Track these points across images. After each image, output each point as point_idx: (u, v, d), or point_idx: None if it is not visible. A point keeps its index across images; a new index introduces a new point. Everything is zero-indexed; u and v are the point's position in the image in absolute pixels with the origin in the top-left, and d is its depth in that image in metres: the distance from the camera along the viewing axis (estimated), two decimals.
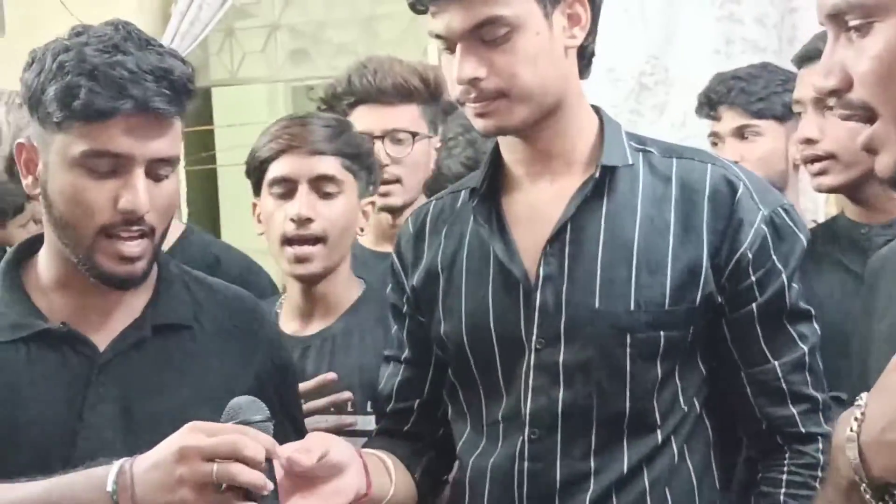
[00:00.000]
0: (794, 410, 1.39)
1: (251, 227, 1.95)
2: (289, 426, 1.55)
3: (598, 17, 1.44)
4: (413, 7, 1.42)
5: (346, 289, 1.94)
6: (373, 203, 1.98)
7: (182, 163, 4.08)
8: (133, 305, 1.50)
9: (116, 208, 1.39)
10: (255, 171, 1.91)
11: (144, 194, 1.39)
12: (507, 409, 1.44)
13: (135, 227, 1.41)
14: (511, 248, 1.43)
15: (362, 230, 1.98)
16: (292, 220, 1.81)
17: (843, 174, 1.84)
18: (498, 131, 1.42)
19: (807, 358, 1.39)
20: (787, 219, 1.39)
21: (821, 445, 1.36)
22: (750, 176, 1.43)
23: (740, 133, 2.33)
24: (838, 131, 1.78)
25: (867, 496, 0.95)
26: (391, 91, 2.21)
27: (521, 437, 1.42)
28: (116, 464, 1.30)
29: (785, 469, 1.39)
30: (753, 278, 1.37)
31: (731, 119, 2.35)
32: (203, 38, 3.85)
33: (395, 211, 2.23)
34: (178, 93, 1.41)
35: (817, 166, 1.86)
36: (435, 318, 1.52)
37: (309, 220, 1.81)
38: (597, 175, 1.39)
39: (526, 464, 1.41)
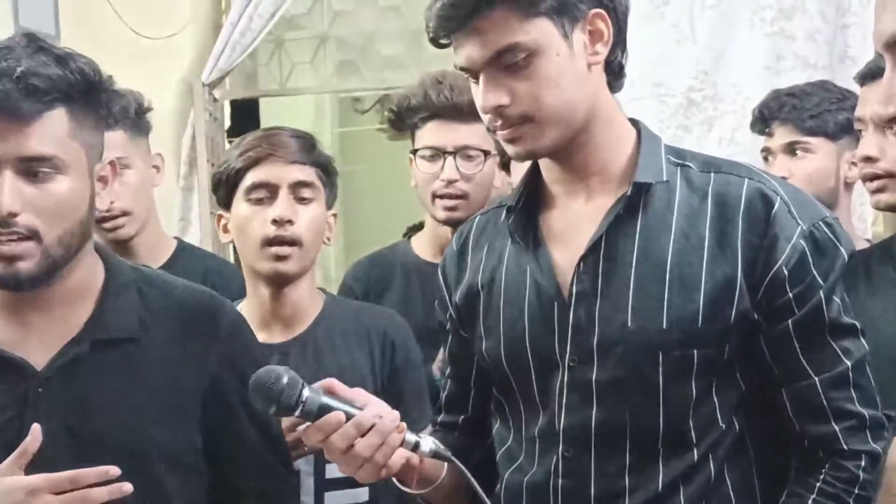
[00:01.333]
0: (836, 427, 1.35)
1: None
2: (251, 427, 1.54)
3: (623, 30, 1.43)
4: (434, 43, 1.42)
5: (313, 297, 1.99)
6: (335, 216, 2.02)
7: None
8: (72, 322, 1.49)
9: None
10: (228, 181, 1.93)
11: (9, 194, 1.38)
12: (542, 426, 1.44)
13: (9, 230, 1.39)
14: (545, 265, 1.43)
15: (329, 239, 2.01)
16: (275, 221, 1.84)
17: None
18: (529, 156, 1.43)
19: (850, 373, 1.36)
20: (828, 233, 1.37)
21: (863, 462, 1.33)
22: (789, 190, 1.40)
23: (791, 149, 2.29)
24: None
25: None
26: (466, 108, 2.15)
27: (556, 455, 1.41)
28: None
29: (820, 477, 1.36)
30: (790, 294, 1.34)
31: (782, 135, 2.31)
32: (253, 49, 3.85)
33: (458, 225, 2.20)
34: (38, 91, 1.38)
35: (876, 184, 1.84)
36: (477, 335, 1.51)
37: (290, 222, 1.85)
38: (629, 192, 1.38)
39: (560, 481, 1.41)
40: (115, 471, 1.36)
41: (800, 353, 1.36)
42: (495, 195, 2.29)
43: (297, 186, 1.89)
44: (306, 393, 1.31)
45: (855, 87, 2.26)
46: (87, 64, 1.45)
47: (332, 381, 1.37)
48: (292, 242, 1.88)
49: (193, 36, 3.90)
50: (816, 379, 1.35)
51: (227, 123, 4.09)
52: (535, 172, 1.49)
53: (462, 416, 1.62)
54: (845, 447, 1.34)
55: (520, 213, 1.47)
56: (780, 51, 3.28)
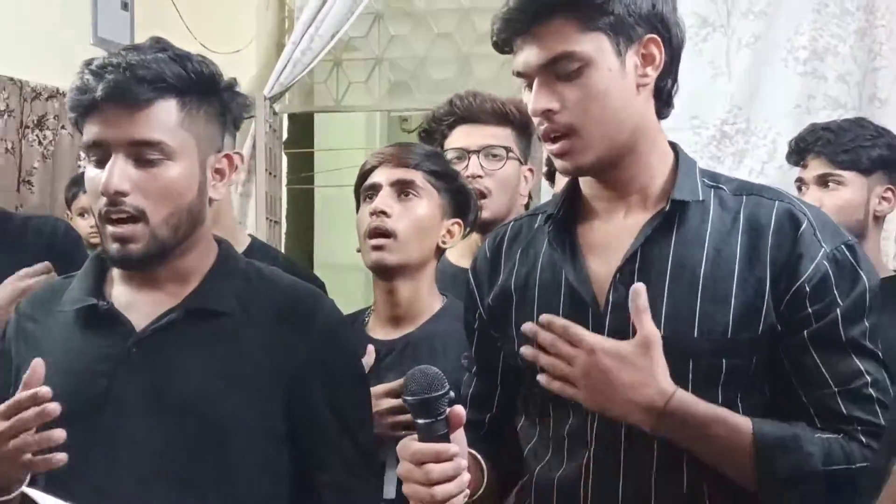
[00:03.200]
0: (857, 430, 1.33)
1: (342, 243, 2.00)
2: (334, 423, 1.53)
3: (677, 59, 1.43)
4: (497, 47, 1.43)
5: (429, 300, 1.96)
6: (459, 224, 1.97)
7: (283, 181, 4.22)
8: (178, 296, 1.51)
9: (100, 192, 1.42)
10: (357, 185, 1.98)
11: (118, 175, 1.41)
12: (573, 427, 1.42)
13: (117, 209, 1.43)
14: (582, 273, 1.42)
15: (444, 243, 1.97)
16: (373, 213, 1.87)
17: None
18: (576, 171, 1.42)
19: (871, 390, 1.34)
20: (848, 256, 1.36)
21: (865, 463, 1.30)
22: (817, 213, 1.40)
23: (823, 181, 2.28)
24: None
25: None
26: (489, 111, 2.25)
27: (587, 454, 1.40)
28: None
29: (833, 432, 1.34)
30: (810, 310, 1.33)
31: (816, 167, 2.30)
32: (312, 67, 3.88)
33: (483, 229, 2.19)
34: (148, 81, 1.41)
35: None
36: (508, 336, 1.49)
37: (384, 213, 1.86)
38: (667, 208, 1.38)
39: (591, 479, 1.40)
40: (43, 391, 1.34)
41: (819, 363, 1.34)
42: (520, 203, 2.33)
43: (397, 184, 1.90)
44: (444, 413, 1.29)
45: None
46: (206, 65, 1.48)
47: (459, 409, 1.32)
48: (387, 234, 1.87)
49: (257, 52, 3.97)
50: (836, 390, 1.33)
51: (285, 136, 4.13)
52: (574, 185, 1.48)
53: (488, 415, 1.59)
54: (863, 440, 1.31)
55: (559, 222, 1.45)
56: (812, 90, 3.32)
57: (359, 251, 1.97)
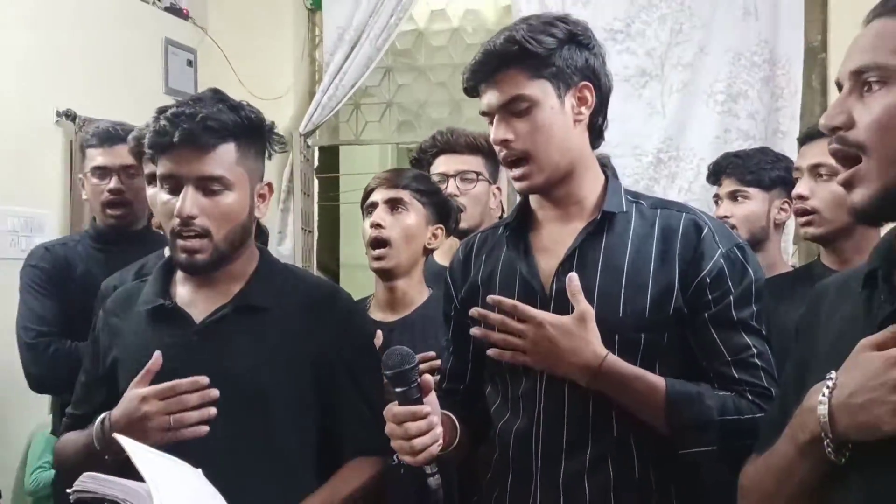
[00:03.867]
0: (749, 395, 1.33)
1: (361, 249, 1.90)
2: (354, 394, 1.54)
3: (605, 102, 1.44)
4: (467, 92, 1.45)
5: (419, 290, 1.97)
6: (441, 229, 1.98)
7: (315, 200, 4.26)
8: (229, 294, 1.53)
9: (174, 215, 1.45)
10: (362, 202, 2.00)
11: (189, 203, 1.43)
12: (526, 389, 1.42)
13: (188, 228, 1.45)
14: (533, 269, 1.43)
15: (430, 244, 1.97)
16: (371, 226, 1.90)
17: (822, 227, 1.85)
18: (530, 191, 1.44)
19: (757, 360, 1.35)
20: (739, 255, 1.37)
21: (761, 417, 1.29)
22: (715, 222, 1.42)
23: (734, 196, 2.30)
24: (824, 193, 1.82)
25: (829, 449, 0.93)
26: (463, 143, 2.26)
27: (538, 409, 1.40)
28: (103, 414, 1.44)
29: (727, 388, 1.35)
30: (710, 297, 1.35)
31: (728, 185, 2.32)
32: (337, 110, 3.92)
33: (460, 236, 2.17)
34: (213, 130, 1.43)
35: (804, 219, 1.88)
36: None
37: (380, 226, 1.88)
38: (598, 218, 1.40)
39: (541, 429, 1.40)
40: (204, 380, 1.39)
41: (716, 338, 1.35)
42: (493, 214, 2.32)
43: (390, 202, 1.91)
44: (415, 382, 1.30)
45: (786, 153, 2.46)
46: (254, 112, 1.51)
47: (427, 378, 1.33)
48: (384, 243, 1.89)
49: (294, 98, 3.98)
50: (729, 359, 1.34)
51: (316, 164, 4.14)
52: (525, 201, 1.50)
53: (462, 385, 1.58)
54: (750, 397, 1.32)
55: (514, 229, 1.48)
56: (728, 125, 3.38)
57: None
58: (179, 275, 1.57)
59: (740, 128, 3.40)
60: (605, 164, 1.75)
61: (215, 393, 1.40)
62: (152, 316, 1.52)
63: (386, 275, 1.93)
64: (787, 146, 3.04)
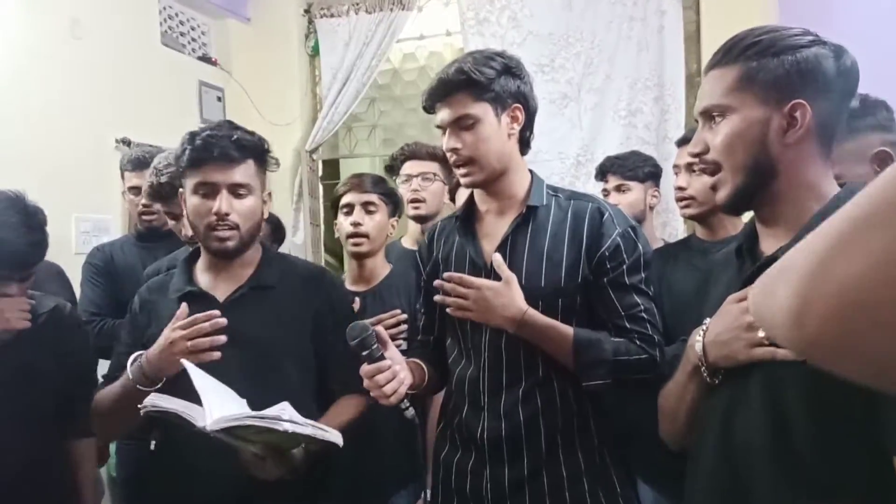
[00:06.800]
0: (637, 343, 1.33)
1: None
2: (338, 342, 1.45)
3: (532, 119, 1.42)
4: (425, 110, 1.42)
5: (382, 266, 1.99)
6: (397, 220, 2.01)
7: (321, 201, 4.20)
8: (243, 277, 1.52)
9: (212, 212, 1.44)
10: (335, 202, 2.00)
11: (224, 204, 1.44)
12: (475, 342, 1.42)
13: (223, 223, 1.45)
14: (478, 250, 1.43)
15: (389, 234, 2.00)
16: (352, 224, 1.91)
17: (698, 208, 1.85)
18: (472, 185, 1.43)
19: (644, 314, 1.33)
20: (632, 233, 1.37)
21: (645, 357, 1.31)
22: (614, 209, 1.41)
23: (619, 189, 2.32)
24: (698, 184, 1.84)
25: (705, 374, 1.00)
26: (423, 153, 2.28)
27: (483, 358, 1.40)
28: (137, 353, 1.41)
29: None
30: (608, 266, 1.34)
31: (613, 180, 2.34)
32: (334, 131, 3.88)
33: (421, 221, 2.27)
34: (242, 147, 1.44)
35: (683, 203, 1.89)
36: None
37: (360, 224, 1.91)
38: (524, 211, 1.39)
39: (486, 373, 1.40)
40: (216, 313, 1.37)
41: (613, 298, 1.34)
42: (445, 210, 2.34)
43: (365, 204, 1.92)
44: (374, 345, 1.29)
45: (670, 155, 2.40)
46: (262, 138, 1.52)
47: (381, 330, 1.33)
48: (365, 235, 1.90)
49: (301, 124, 3.93)
50: (623, 313, 1.33)
51: (321, 173, 4.07)
52: (471, 199, 1.50)
53: (431, 337, 1.57)
54: (637, 342, 1.32)
55: (463, 221, 1.48)
56: (629, 134, 3.36)
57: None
58: (200, 265, 1.55)
59: (639, 136, 3.35)
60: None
61: (222, 322, 1.37)
62: (182, 300, 1.48)
63: (360, 257, 1.95)
64: (674, 149, 2.99)
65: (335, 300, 1.59)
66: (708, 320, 1.00)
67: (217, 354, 1.37)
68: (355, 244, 1.93)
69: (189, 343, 1.36)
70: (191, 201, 1.48)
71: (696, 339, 1.01)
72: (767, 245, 1.01)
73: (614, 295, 1.35)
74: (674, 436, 1.13)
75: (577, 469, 1.36)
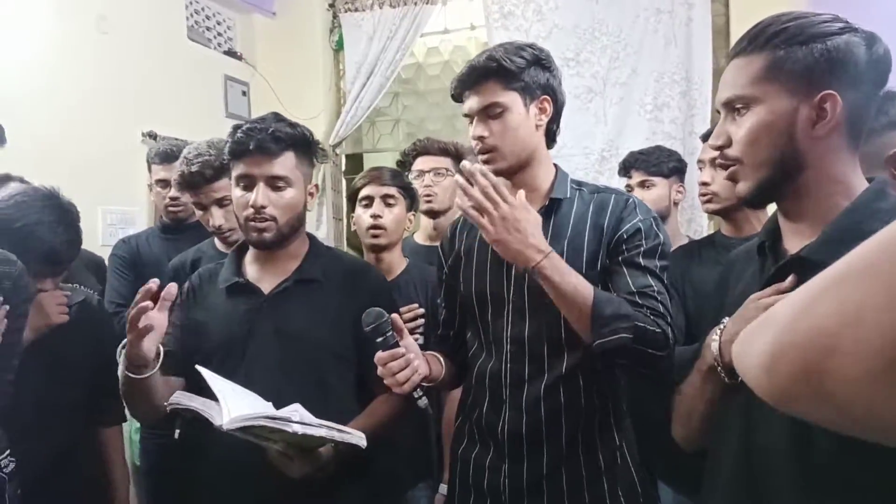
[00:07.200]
0: (650, 317, 1.25)
1: None
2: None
3: (559, 112, 1.41)
4: (454, 98, 1.42)
5: (399, 260, 1.98)
6: (414, 215, 2.02)
7: (344, 195, 4.21)
8: (287, 270, 1.51)
9: (249, 205, 1.43)
10: (353, 195, 1.99)
11: (262, 196, 1.43)
12: (496, 335, 1.40)
13: (260, 215, 1.44)
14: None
15: (408, 228, 2.00)
16: (372, 217, 1.90)
17: (719, 204, 1.83)
18: (496, 173, 1.37)
19: (657, 295, 1.27)
20: (653, 223, 1.34)
21: (659, 332, 1.24)
22: (638, 200, 1.39)
23: (643, 184, 2.30)
24: (721, 179, 1.79)
25: (722, 374, 0.97)
26: (435, 148, 2.27)
27: (505, 351, 1.38)
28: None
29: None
30: (624, 247, 1.32)
31: (637, 176, 2.31)
32: (358, 125, 3.88)
33: (433, 216, 2.26)
34: (279, 140, 1.42)
35: (706, 198, 1.86)
36: (459, 282, 1.48)
37: (379, 217, 1.90)
38: (547, 203, 1.38)
39: (508, 366, 1.38)
40: (152, 284, 1.30)
41: (627, 276, 1.29)
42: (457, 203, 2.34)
43: (384, 197, 1.92)
44: (389, 332, 1.29)
45: (696, 150, 2.38)
46: (307, 129, 1.50)
47: (397, 318, 1.32)
48: (383, 228, 1.90)
49: (325, 118, 3.92)
50: (635, 290, 1.27)
51: (343, 167, 4.09)
52: None
53: (451, 331, 1.56)
54: (650, 316, 1.25)
55: None
56: (655, 129, 3.33)
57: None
58: (248, 257, 1.55)
59: (665, 131, 3.30)
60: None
61: (151, 287, 1.30)
62: (230, 290, 1.50)
63: (378, 250, 1.94)
64: (700, 144, 2.96)
65: (379, 297, 1.53)
66: (726, 319, 0.98)
67: (172, 291, 1.33)
68: (374, 236, 1.92)
69: (139, 321, 1.28)
70: (234, 193, 1.49)
71: (713, 339, 0.98)
72: (791, 242, 0.98)
73: (628, 273, 1.30)
74: (688, 437, 1.11)
75: (596, 468, 1.34)
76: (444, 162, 2.28)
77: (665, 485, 1.87)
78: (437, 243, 2.29)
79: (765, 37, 0.93)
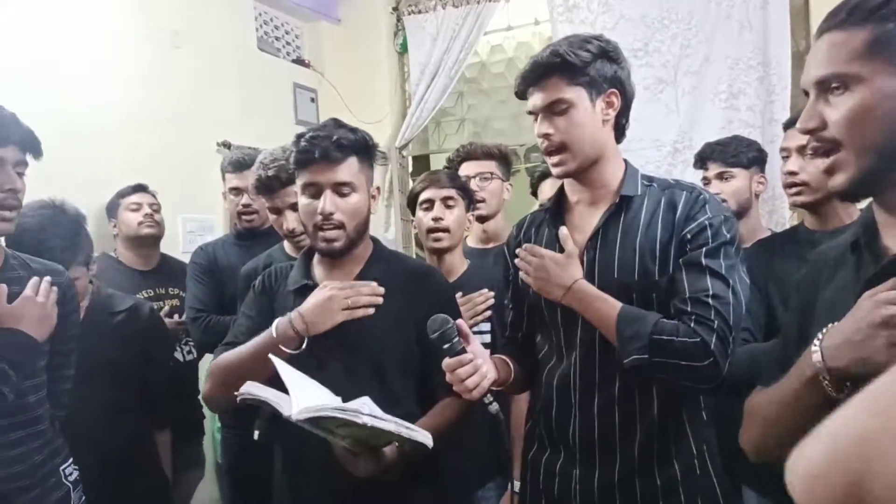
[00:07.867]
0: (690, 325, 1.22)
1: None
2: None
3: (629, 106, 1.37)
4: (517, 95, 1.39)
5: (461, 262, 2.00)
6: (472, 216, 2.03)
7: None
8: (353, 272, 1.51)
9: (317, 213, 1.44)
10: (412, 199, 2.01)
11: (329, 203, 1.43)
12: (567, 339, 1.38)
13: (329, 222, 1.44)
14: (568, 243, 1.37)
15: (468, 229, 2.03)
16: (433, 219, 1.91)
17: (810, 196, 1.75)
18: (565, 175, 1.37)
19: (710, 300, 1.22)
20: (723, 222, 1.27)
21: (694, 341, 1.20)
22: (712, 198, 1.32)
23: (721, 176, 2.20)
24: (811, 168, 1.72)
25: (826, 384, 0.87)
26: (480, 152, 2.28)
27: (575, 354, 1.36)
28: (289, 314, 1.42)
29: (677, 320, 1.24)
30: (688, 247, 1.27)
31: (714, 168, 2.21)
32: (424, 126, 3.90)
33: (482, 220, 2.25)
34: (343, 146, 1.43)
35: (794, 190, 1.78)
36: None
37: (441, 219, 1.92)
38: (616, 201, 1.34)
39: (578, 369, 1.35)
40: (380, 290, 1.44)
41: (684, 279, 1.25)
42: (504, 205, 2.32)
43: (445, 199, 1.93)
44: (455, 338, 1.27)
45: (776, 138, 2.29)
46: (366, 133, 1.50)
47: (462, 324, 1.30)
48: (445, 230, 1.92)
49: (391, 120, 3.95)
50: (688, 295, 1.23)
51: (410, 169, 4.11)
52: (561, 191, 1.45)
53: (519, 333, 1.53)
54: (691, 325, 1.21)
55: (553, 212, 1.43)
56: (731, 118, 3.20)
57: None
58: (315, 260, 1.56)
59: (741, 119, 3.16)
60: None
61: (380, 290, 1.44)
62: (298, 292, 1.51)
63: (441, 252, 1.96)
64: (781, 132, 2.83)
65: (442, 301, 1.51)
66: (831, 325, 0.88)
67: (371, 310, 1.43)
68: (436, 239, 1.93)
69: (349, 300, 1.41)
70: (300, 202, 1.49)
71: (814, 345, 0.89)
72: (891, 239, 0.90)
73: (686, 276, 1.25)
74: (764, 445, 1.02)
75: (672, 478, 1.30)
76: (490, 166, 2.26)
77: (751, 490, 1.80)
78: (489, 245, 2.28)
79: (867, 8, 0.85)
